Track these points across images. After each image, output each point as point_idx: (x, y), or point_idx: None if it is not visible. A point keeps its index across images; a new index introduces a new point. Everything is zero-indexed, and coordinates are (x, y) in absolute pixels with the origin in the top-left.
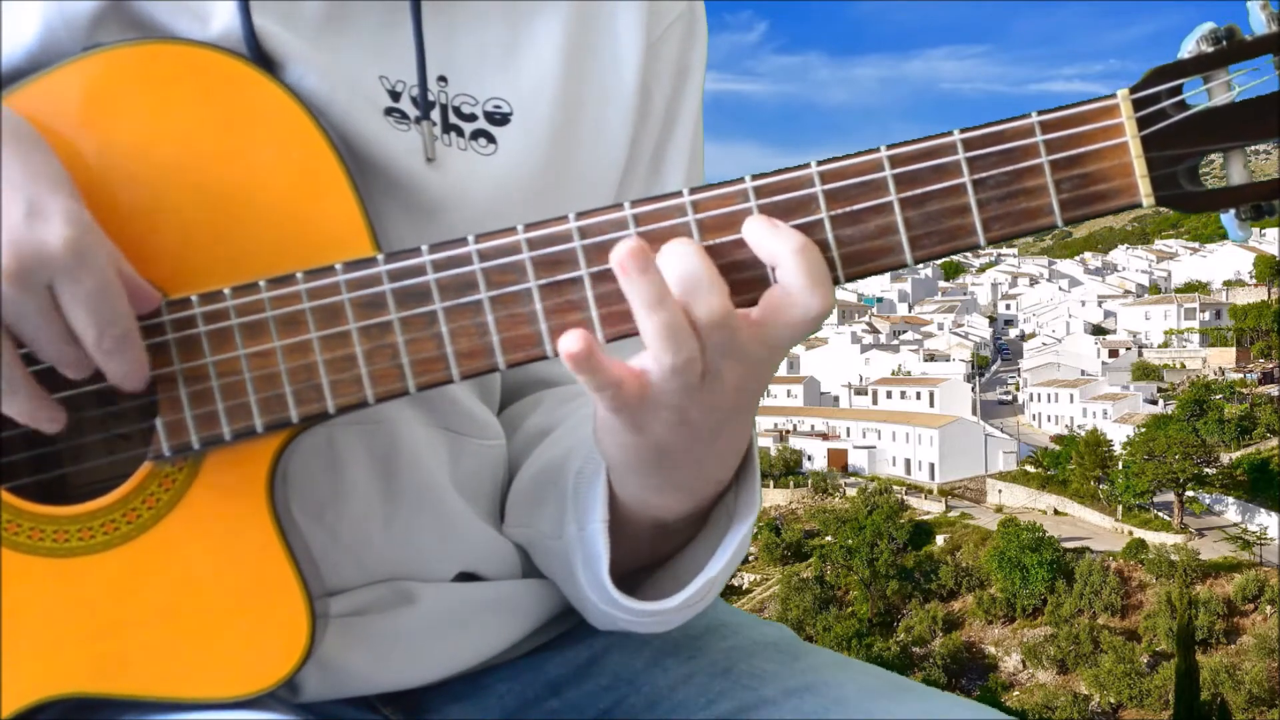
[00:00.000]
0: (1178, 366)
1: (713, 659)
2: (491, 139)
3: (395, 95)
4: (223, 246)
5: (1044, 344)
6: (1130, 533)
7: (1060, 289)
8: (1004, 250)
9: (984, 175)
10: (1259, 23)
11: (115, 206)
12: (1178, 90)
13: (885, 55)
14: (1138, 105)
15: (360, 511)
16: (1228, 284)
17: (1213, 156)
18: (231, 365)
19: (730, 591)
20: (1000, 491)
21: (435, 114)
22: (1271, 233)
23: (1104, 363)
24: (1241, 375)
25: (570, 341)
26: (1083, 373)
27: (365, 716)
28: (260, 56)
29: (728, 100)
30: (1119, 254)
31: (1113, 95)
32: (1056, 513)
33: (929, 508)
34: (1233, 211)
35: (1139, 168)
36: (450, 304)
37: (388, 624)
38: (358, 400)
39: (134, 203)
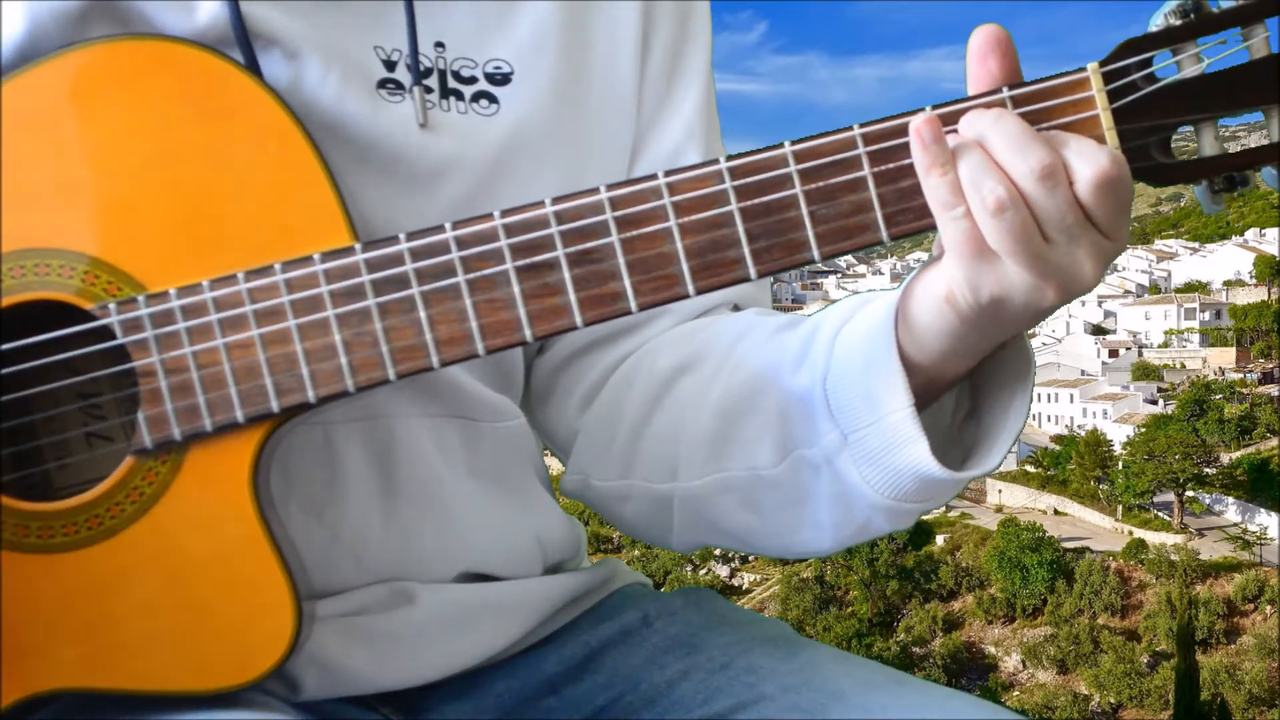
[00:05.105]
0: (1178, 366)
1: (710, 655)
2: (493, 99)
3: (390, 65)
4: (201, 240)
5: (1044, 344)
6: (1130, 533)
7: None
8: None
9: None
10: None
11: (95, 202)
12: (1147, 63)
13: (885, 55)
14: (1108, 78)
15: (358, 509)
16: (1228, 284)
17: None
18: (211, 357)
19: (730, 591)
20: (1000, 491)
21: (434, 80)
22: (1271, 233)
23: (1104, 363)
24: (1241, 375)
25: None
26: (1083, 373)
27: (364, 715)
28: (249, 39)
29: (728, 100)
30: None
31: (1083, 69)
32: (1056, 513)
33: None
34: (1205, 184)
35: (1111, 140)
36: (428, 289)
37: (387, 624)
38: (339, 390)
39: (112, 197)
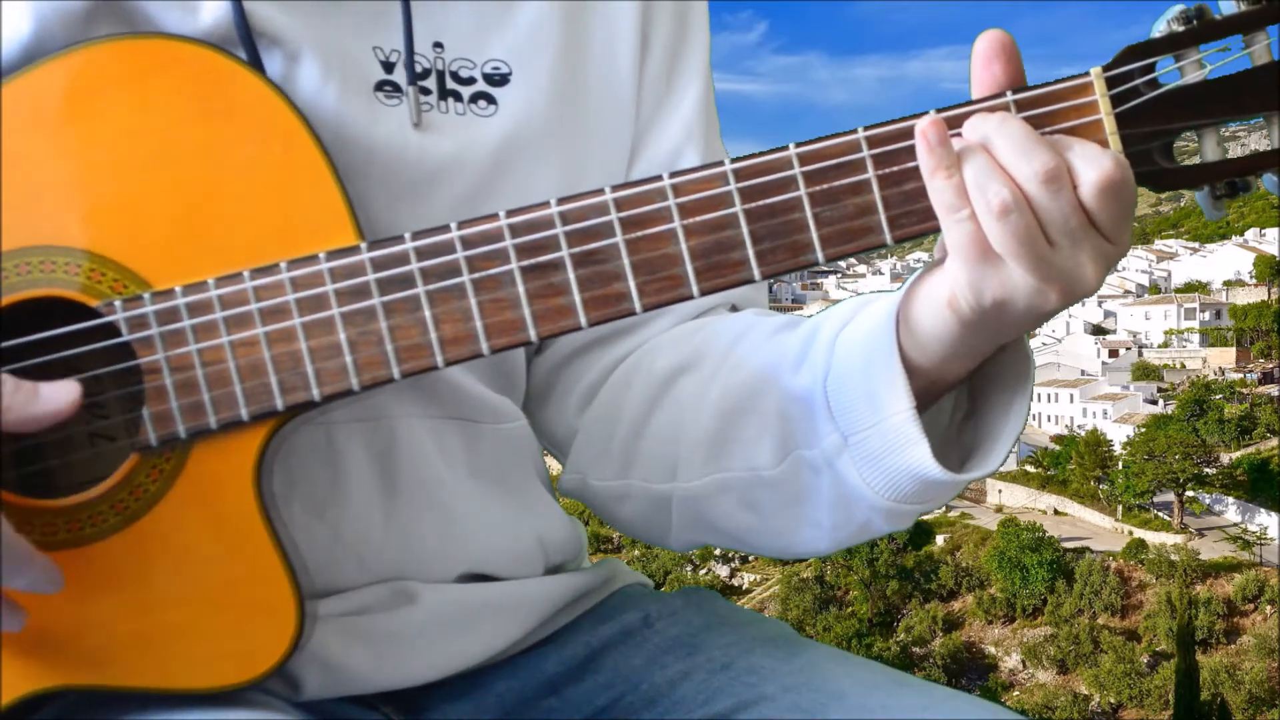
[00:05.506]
0: (1178, 366)
1: (711, 655)
2: (491, 100)
3: (389, 66)
4: (207, 238)
5: (1044, 344)
6: (1130, 533)
7: None
8: None
9: None
10: (1228, 3)
11: (99, 200)
12: (1150, 69)
13: (885, 55)
14: (1111, 83)
15: (360, 509)
16: (1228, 284)
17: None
18: (217, 354)
19: (730, 591)
20: (1000, 491)
21: (432, 81)
22: (1271, 233)
23: (1104, 363)
24: (1241, 375)
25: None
26: (1083, 373)
27: (365, 715)
28: (252, 37)
29: (728, 100)
30: None
31: (1086, 74)
32: (1056, 513)
33: None
34: (1206, 189)
35: (1114, 144)
36: (433, 288)
37: (388, 624)
38: (343, 388)
39: (118, 196)
